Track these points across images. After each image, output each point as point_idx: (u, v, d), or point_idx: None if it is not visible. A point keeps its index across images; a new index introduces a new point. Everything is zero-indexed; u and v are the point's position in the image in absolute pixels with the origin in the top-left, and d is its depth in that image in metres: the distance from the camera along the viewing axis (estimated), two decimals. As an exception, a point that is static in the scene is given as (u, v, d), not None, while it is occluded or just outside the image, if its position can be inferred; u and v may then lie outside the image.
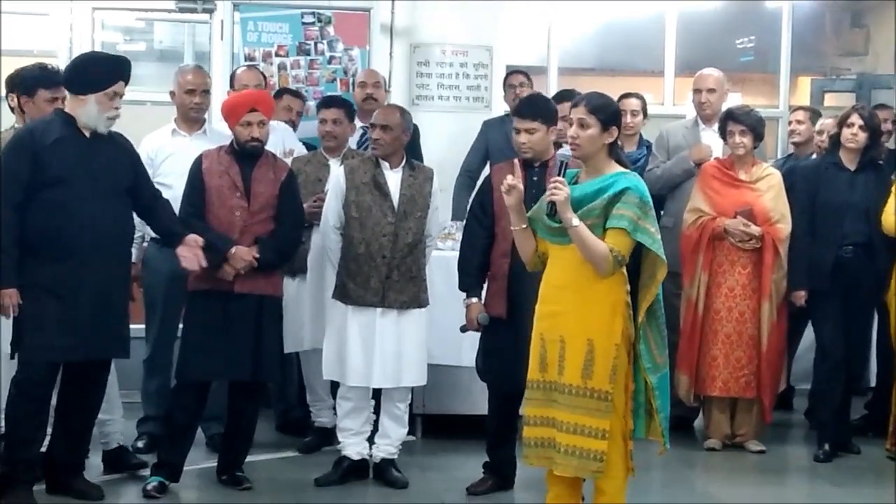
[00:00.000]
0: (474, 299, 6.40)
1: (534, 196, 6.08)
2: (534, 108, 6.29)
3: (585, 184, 5.22)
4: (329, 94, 8.53)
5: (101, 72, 6.14)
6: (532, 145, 6.18)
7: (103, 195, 6.03)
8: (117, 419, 6.80)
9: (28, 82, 6.54)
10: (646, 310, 5.20)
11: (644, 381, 5.23)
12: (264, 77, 8.07)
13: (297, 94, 8.35)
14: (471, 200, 6.64)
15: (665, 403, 5.29)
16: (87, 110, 6.06)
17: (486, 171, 7.40)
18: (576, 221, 5.07)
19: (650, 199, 5.18)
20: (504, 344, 6.23)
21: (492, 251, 6.34)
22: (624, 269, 5.17)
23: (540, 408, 5.25)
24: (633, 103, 8.44)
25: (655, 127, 8.65)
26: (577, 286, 5.17)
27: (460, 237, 6.73)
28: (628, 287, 5.19)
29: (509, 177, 5.33)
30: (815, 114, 8.80)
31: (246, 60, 8.86)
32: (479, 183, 6.98)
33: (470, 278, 6.44)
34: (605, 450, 5.10)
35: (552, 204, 5.13)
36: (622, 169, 5.24)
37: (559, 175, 5.17)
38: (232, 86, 7.77)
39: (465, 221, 6.67)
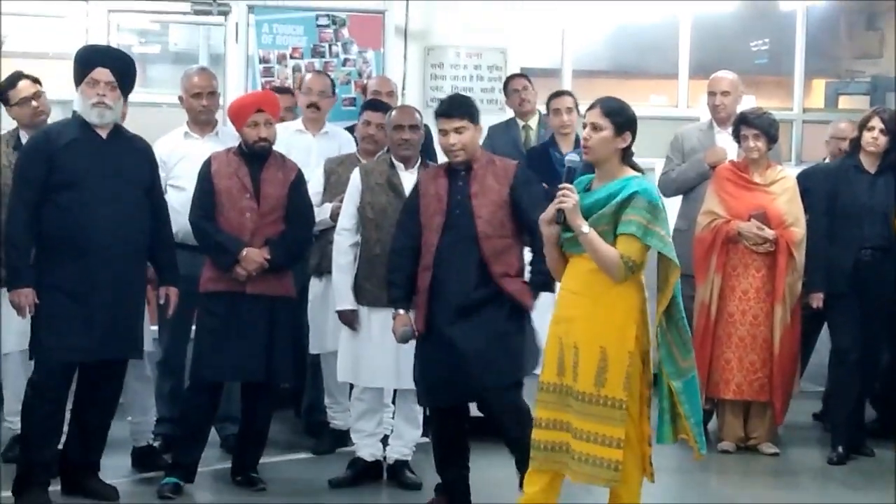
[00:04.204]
0: (401, 311, 6.15)
1: (459, 202, 5.99)
2: (461, 106, 6.09)
3: (596, 190, 5.19)
4: (372, 98, 8.25)
5: (79, 63, 6.18)
6: (463, 145, 5.99)
7: (119, 196, 6.05)
8: (149, 419, 6.92)
9: None
10: (664, 314, 5.18)
11: (668, 387, 5.21)
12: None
13: (284, 90, 8.36)
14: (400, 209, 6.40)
15: (695, 408, 5.23)
16: (78, 104, 6.12)
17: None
18: (586, 228, 5.04)
19: (661, 203, 5.13)
20: (426, 358, 6.04)
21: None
22: (641, 276, 5.16)
23: (553, 411, 5.22)
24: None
25: (670, 130, 8.63)
26: (591, 293, 5.13)
27: None
28: (645, 294, 5.18)
29: (549, 212, 5.18)
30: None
31: (261, 63, 8.88)
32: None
33: (398, 290, 6.14)
34: (621, 458, 5.05)
35: (562, 212, 5.11)
36: (634, 173, 5.23)
37: (567, 182, 5.16)
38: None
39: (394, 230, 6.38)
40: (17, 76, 7.10)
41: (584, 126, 5.23)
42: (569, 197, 5.07)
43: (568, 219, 5.08)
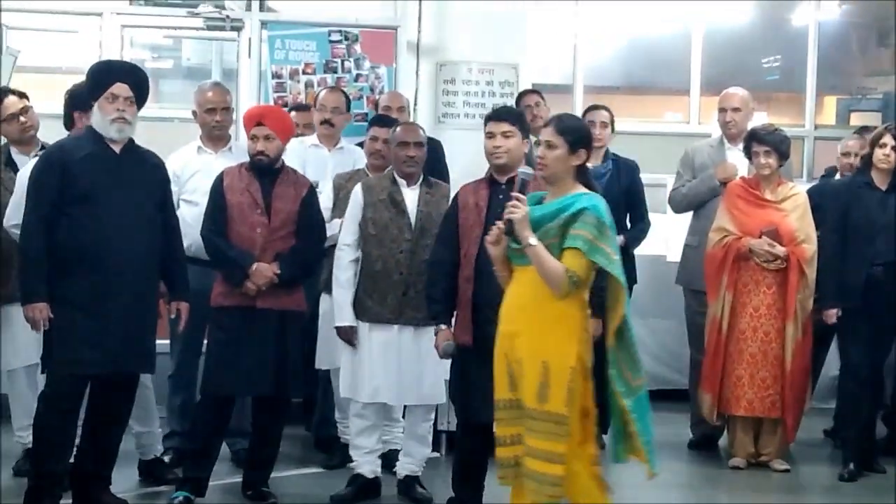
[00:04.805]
0: (443, 326, 6.13)
1: (500, 215, 6.01)
2: (513, 113, 6.17)
3: (546, 204, 5.22)
4: (379, 113, 8.09)
5: (97, 77, 6.18)
6: (508, 149, 5.96)
7: (132, 210, 6.06)
8: (154, 431, 6.91)
9: (83, 97, 6.52)
10: (614, 334, 5.18)
11: (620, 406, 5.20)
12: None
13: (303, 107, 8.36)
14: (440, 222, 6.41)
15: (646, 426, 5.24)
16: (96, 120, 6.11)
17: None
18: (533, 240, 5.06)
19: (609, 220, 5.14)
20: (472, 372, 5.97)
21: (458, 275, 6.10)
22: (585, 292, 5.17)
23: (511, 427, 5.24)
24: (604, 115, 8.15)
25: (681, 146, 8.64)
26: (534, 307, 5.15)
27: None
28: (587, 311, 5.19)
29: (498, 224, 5.22)
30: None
31: (273, 78, 8.89)
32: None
33: (437, 304, 6.14)
34: (562, 474, 5.06)
35: (510, 222, 5.12)
36: (586, 190, 5.23)
37: (519, 193, 5.17)
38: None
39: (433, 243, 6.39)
40: (2, 92, 7.08)
41: (538, 143, 5.26)
42: (518, 208, 5.10)
43: (516, 230, 5.10)
